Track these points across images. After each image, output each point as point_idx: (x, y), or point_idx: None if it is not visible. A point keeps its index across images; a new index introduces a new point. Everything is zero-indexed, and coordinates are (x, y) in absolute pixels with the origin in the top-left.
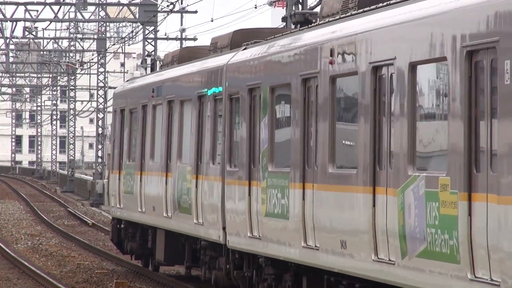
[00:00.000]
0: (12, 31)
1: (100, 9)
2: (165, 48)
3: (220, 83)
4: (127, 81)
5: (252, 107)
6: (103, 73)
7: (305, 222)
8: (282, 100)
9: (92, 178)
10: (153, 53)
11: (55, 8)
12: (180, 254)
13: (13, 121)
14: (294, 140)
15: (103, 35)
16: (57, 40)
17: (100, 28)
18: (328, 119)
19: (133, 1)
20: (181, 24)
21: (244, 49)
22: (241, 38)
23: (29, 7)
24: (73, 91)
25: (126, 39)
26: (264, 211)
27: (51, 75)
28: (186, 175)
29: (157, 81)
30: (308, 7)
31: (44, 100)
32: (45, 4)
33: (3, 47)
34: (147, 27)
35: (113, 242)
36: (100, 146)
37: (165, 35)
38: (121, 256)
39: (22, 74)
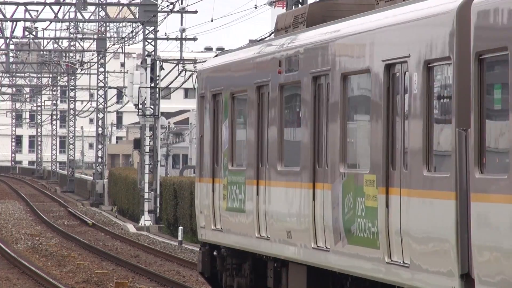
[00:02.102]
0: (12, 31)
1: (100, 9)
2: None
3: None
4: (216, 56)
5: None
6: (103, 73)
7: None
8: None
9: (92, 178)
10: (153, 53)
11: (55, 8)
12: None
13: (13, 121)
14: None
15: (103, 35)
16: (57, 40)
17: (100, 28)
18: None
19: (133, 1)
20: (181, 24)
21: None
22: None
23: (29, 7)
24: (73, 91)
25: (126, 39)
26: None
27: (51, 75)
28: (363, 188)
29: (286, 50)
30: None
31: (44, 100)
32: (45, 4)
33: (3, 47)
34: (147, 27)
35: (202, 276)
36: (100, 146)
37: (165, 35)
38: (121, 256)
39: (22, 74)
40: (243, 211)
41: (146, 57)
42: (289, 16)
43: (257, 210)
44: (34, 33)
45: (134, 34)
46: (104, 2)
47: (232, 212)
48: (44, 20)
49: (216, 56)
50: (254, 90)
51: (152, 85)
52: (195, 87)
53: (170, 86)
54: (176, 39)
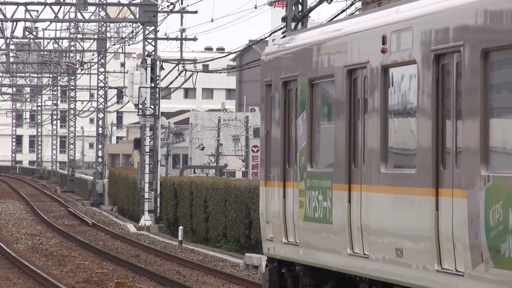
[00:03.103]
0: (13, 31)
1: (100, 9)
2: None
3: None
4: (284, 37)
5: None
6: (103, 73)
7: None
8: None
9: (92, 178)
10: (153, 53)
11: (55, 8)
12: None
13: (14, 121)
14: None
15: (103, 35)
16: (57, 40)
17: (100, 28)
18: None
19: (133, 1)
20: (181, 24)
21: None
22: None
23: (29, 7)
24: (73, 91)
25: (126, 39)
26: None
27: (51, 75)
28: None
29: (393, 23)
30: (308, 7)
31: (45, 100)
32: (45, 4)
33: (3, 47)
34: (147, 27)
35: None
36: (100, 146)
37: (165, 35)
38: (121, 256)
39: (23, 74)
40: (329, 221)
41: (146, 57)
42: None
43: (349, 221)
44: (34, 33)
45: (134, 34)
46: (104, 2)
47: (313, 223)
48: (44, 20)
49: (284, 37)
50: (344, 75)
51: (152, 85)
52: (195, 87)
53: (170, 86)
54: (176, 39)
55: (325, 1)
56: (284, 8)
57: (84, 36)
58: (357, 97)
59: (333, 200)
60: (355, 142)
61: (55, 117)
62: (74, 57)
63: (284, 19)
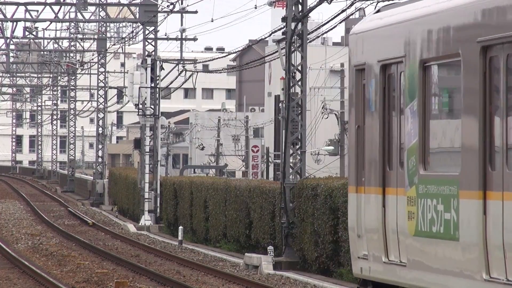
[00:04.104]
0: (13, 31)
1: (100, 9)
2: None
3: None
4: (378, 12)
5: None
6: (103, 73)
7: None
8: None
9: (92, 178)
10: (153, 53)
11: (56, 8)
12: None
13: (14, 121)
14: None
15: (103, 35)
16: (57, 40)
17: (100, 28)
18: None
19: (133, 1)
20: (181, 24)
21: None
22: None
23: (29, 7)
24: (74, 91)
25: (126, 39)
26: None
27: (51, 75)
28: None
29: None
30: (308, 7)
31: (45, 100)
32: (45, 4)
33: (3, 47)
34: (147, 27)
35: None
36: (100, 146)
37: (165, 35)
38: (121, 256)
39: (23, 74)
40: (454, 237)
41: (146, 57)
42: None
43: (484, 238)
44: (34, 33)
45: (134, 34)
46: (104, 2)
47: (428, 239)
48: (44, 20)
49: (378, 11)
50: (478, 53)
51: (152, 85)
52: (195, 87)
53: (170, 86)
54: (176, 39)
55: (325, 1)
56: (284, 8)
57: (84, 36)
58: (495, 82)
59: (459, 210)
60: (491, 138)
61: (55, 117)
62: (74, 57)
63: (284, 19)
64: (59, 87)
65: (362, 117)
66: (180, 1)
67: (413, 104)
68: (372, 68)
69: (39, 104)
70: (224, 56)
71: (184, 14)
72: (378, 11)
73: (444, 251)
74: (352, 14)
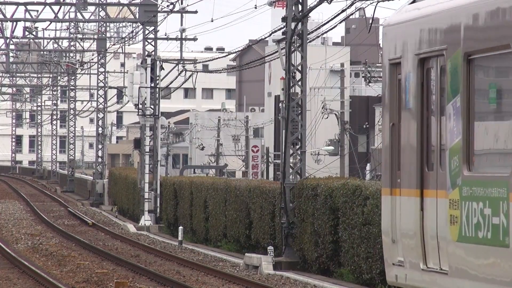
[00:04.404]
0: (12, 31)
1: (100, 9)
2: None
3: None
4: (413, 1)
5: None
6: (103, 73)
7: None
8: None
9: (92, 178)
10: (153, 53)
11: (55, 8)
12: None
13: (13, 121)
14: None
15: (103, 35)
16: (57, 40)
17: (100, 28)
18: None
19: (133, 1)
20: (181, 24)
21: None
22: None
23: (29, 7)
24: (73, 91)
25: (126, 39)
26: None
27: (51, 75)
28: None
29: None
30: (308, 7)
31: (44, 100)
32: (45, 4)
33: (3, 47)
34: (147, 27)
35: None
36: (100, 146)
37: (165, 35)
38: (121, 256)
39: (22, 74)
40: (504, 244)
41: (146, 57)
42: None
43: None
44: (34, 33)
45: (134, 34)
46: (104, 2)
47: (474, 245)
48: (44, 20)
49: (413, 2)
50: None
51: (152, 85)
52: (195, 87)
53: (170, 86)
54: (176, 39)
55: (325, 1)
56: (284, 8)
57: (84, 36)
58: None
59: (510, 214)
60: None
61: (55, 117)
62: (74, 57)
63: (284, 19)
64: (59, 87)
65: (398, 115)
66: (180, 1)
67: (456, 100)
68: (409, 62)
69: (39, 104)
70: (224, 56)
71: (184, 14)
72: (413, 1)
73: (492, 258)
74: (352, 14)
